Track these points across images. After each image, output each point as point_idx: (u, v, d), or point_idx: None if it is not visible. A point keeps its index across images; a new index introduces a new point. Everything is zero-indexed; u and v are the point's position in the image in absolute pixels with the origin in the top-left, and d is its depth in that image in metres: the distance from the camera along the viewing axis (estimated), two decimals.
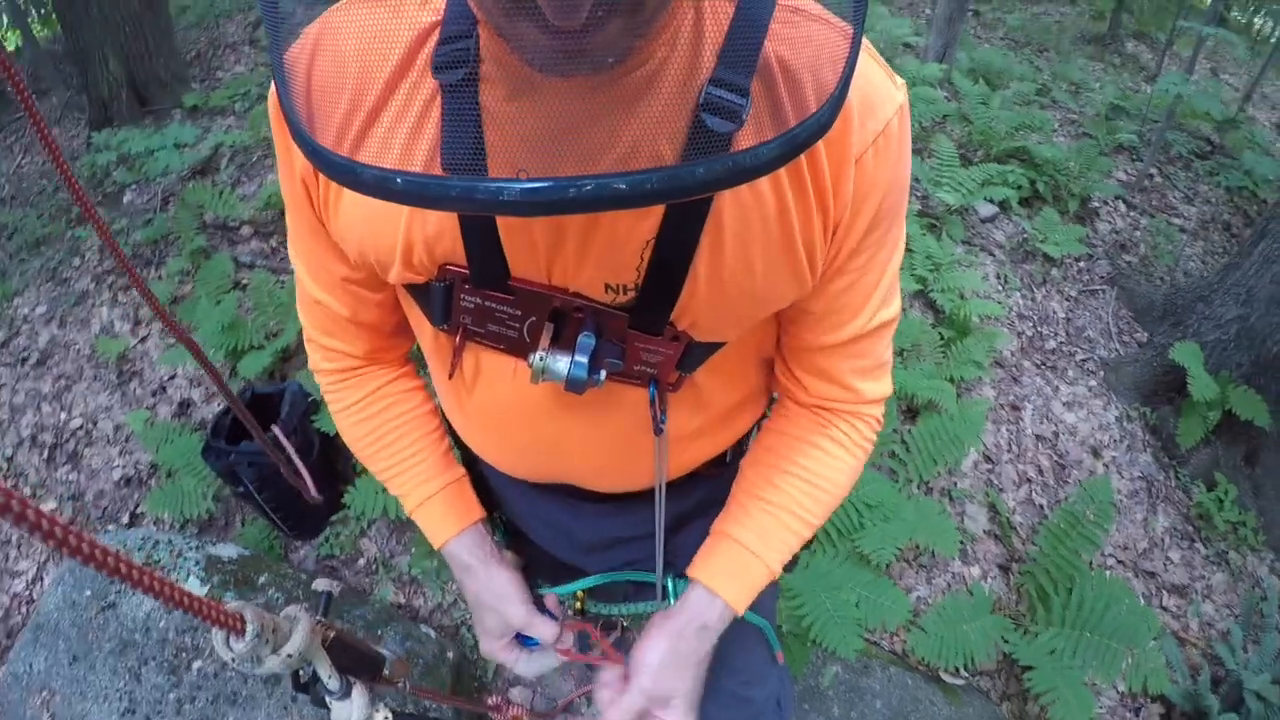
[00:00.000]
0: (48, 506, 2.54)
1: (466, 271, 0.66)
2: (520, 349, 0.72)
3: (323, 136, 0.51)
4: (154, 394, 2.71)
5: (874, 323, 0.74)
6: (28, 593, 2.35)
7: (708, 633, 0.82)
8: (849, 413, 0.82)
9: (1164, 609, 2.42)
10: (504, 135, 0.55)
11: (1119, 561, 2.50)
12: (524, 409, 0.78)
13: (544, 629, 0.89)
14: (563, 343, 0.68)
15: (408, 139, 0.58)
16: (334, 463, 2.45)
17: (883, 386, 0.82)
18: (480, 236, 0.63)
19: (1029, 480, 2.72)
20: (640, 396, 0.76)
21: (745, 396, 0.88)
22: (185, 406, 2.64)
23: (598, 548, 1.03)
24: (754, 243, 0.62)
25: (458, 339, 0.74)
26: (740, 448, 0.97)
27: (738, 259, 0.63)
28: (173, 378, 2.73)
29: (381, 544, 2.39)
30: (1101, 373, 3.04)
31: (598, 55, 0.47)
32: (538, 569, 1.14)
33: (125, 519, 2.39)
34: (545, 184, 0.40)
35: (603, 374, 0.69)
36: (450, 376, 0.79)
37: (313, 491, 2.01)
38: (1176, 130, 4.28)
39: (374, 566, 2.34)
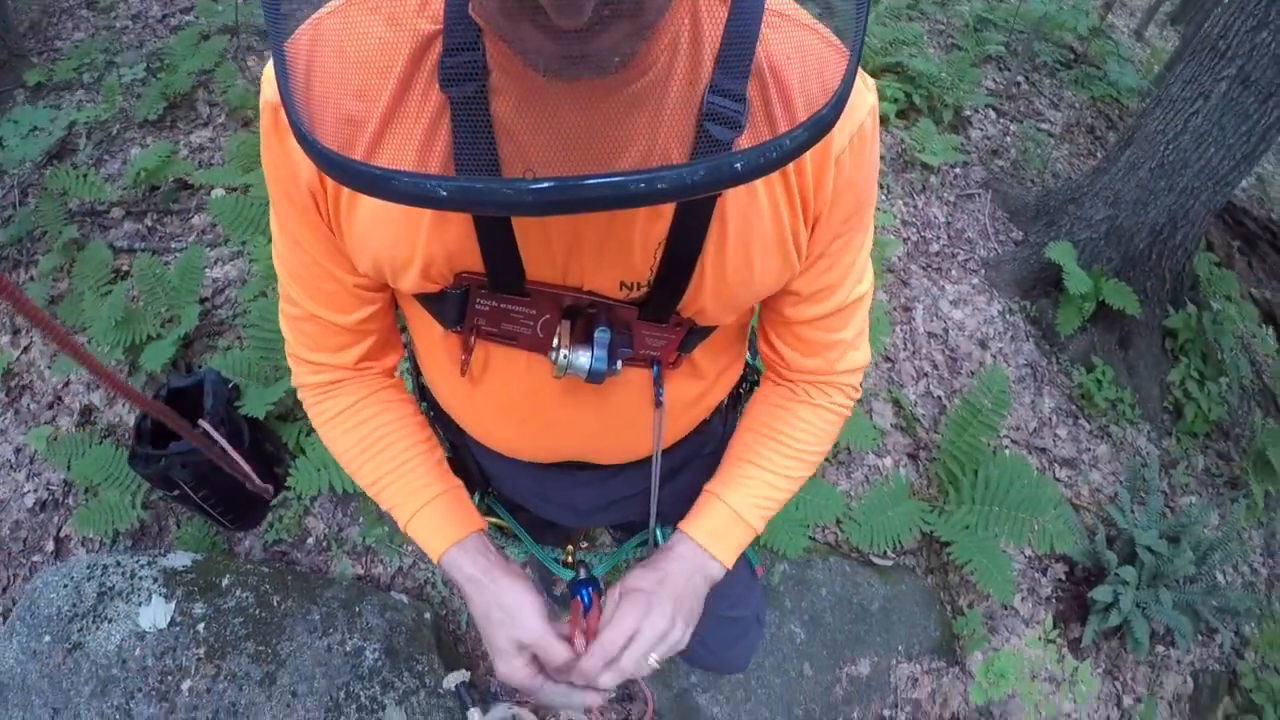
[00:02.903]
0: None
1: (483, 277, 0.68)
2: (534, 345, 0.75)
3: (331, 145, 0.50)
4: (50, 407, 2.48)
5: (852, 296, 0.81)
6: None
7: (695, 579, 0.86)
8: (828, 382, 0.89)
9: (1058, 480, 2.76)
10: (517, 144, 0.57)
11: (1014, 441, 2.81)
12: (534, 398, 0.82)
13: (556, 650, 0.79)
14: (578, 337, 0.72)
15: (420, 150, 0.59)
16: (264, 446, 2.36)
17: (861, 355, 0.88)
18: (498, 243, 0.65)
19: (926, 375, 2.97)
20: (642, 375, 0.81)
21: (730, 360, 0.96)
22: (88, 414, 2.44)
23: (596, 511, 1.08)
24: (752, 238, 0.68)
25: (471, 339, 0.76)
26: (720, 408, 1.04)
27: (739, 254, 0.68)
28: (67, 385, 2.50)
29: (328, 520, 2.35)
30: (983, 271, 3.31)
31: (601, 57, 0.48)
32: (534, 534, 1.20)
33: (50, 546, 2.23)
34: (568, 183, 0.42)
35: (619, 364, 0.74)
36: (463, 374, 0.81)
37: (256, 481, 1.97)
38: (1042, 41, 4.55)
39: (325, 544, 2.31)
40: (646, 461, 0.92)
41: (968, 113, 4.04)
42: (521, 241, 0.66)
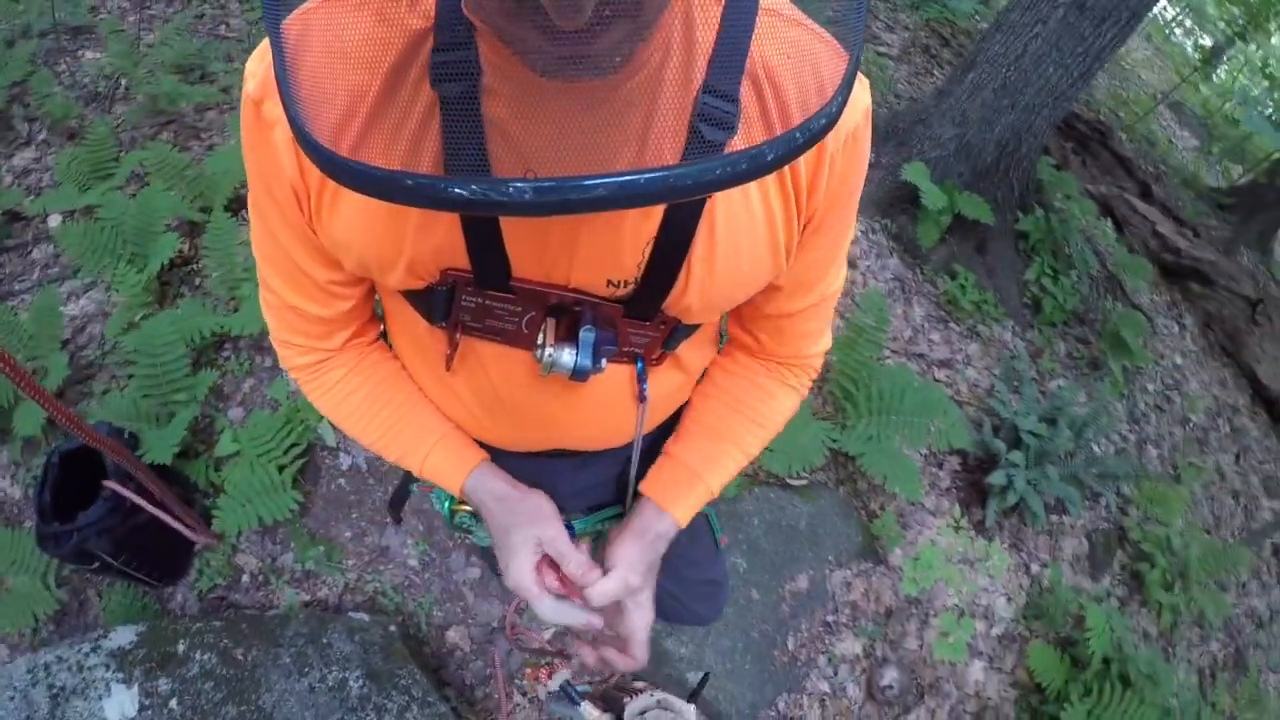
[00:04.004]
0: None
1: (469, 274, 0.69)
2: (518, 340, 0.76)
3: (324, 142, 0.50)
4: None
5: (830, 289, 0.84)
6: None
7: (661, 540, 0.93)
8: (798, 365, 0.94)
9: (939, 381, 3.04)
10: (510, 143, 0.57)
11: (893, 351, 3.05)
12: (519, 393, 0.83)
13: (575, 558, 0.86)
14: (563, 334, 0.73)
15: (409, 149, 0.59)
16: (172, 489, 2.24)
17: (826, 340, 0.93)
18: (484, 241, 0.66)
19: None
20: (625, 371, 0.83)
21: (707, 355, 0.99)
22: None
23: (575, 494, 1.11)
24: (741, 238, 0.69)
25: (456, 334, 0.77)
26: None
27: (727, 254, 0.69)
28: None
29: (259, 553, 2.28)
30: None
31: (601, 58, 0.48)
32: None
33: None
34: (560, 184, 0.42)
35: (604, 362, 0.74)
36: (448, 369, 0.82)
37: (197, 531, 1.88)
38: None
39: (262, 578, 2.25)
40: (625, 447, 0.96)
41: None
42: (508, 239, 0.66)
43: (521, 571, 0.86)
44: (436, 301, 0.73)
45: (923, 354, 3.11)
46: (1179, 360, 4.05)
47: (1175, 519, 3.16)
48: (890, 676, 2.36)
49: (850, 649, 2.40)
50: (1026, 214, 3.58)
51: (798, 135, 0.47)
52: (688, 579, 1.33)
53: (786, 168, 0.66)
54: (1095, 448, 3.17)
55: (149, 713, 1.56)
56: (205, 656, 1.69)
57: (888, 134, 3.58)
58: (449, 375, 0.85)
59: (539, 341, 0.73)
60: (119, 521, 1.88)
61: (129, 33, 3.32)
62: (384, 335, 0.96)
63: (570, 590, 0.88)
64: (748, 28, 0.55)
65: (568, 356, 0.72)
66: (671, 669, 2.15)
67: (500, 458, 0.97)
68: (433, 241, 0.66)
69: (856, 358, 2.69)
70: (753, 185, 0.66)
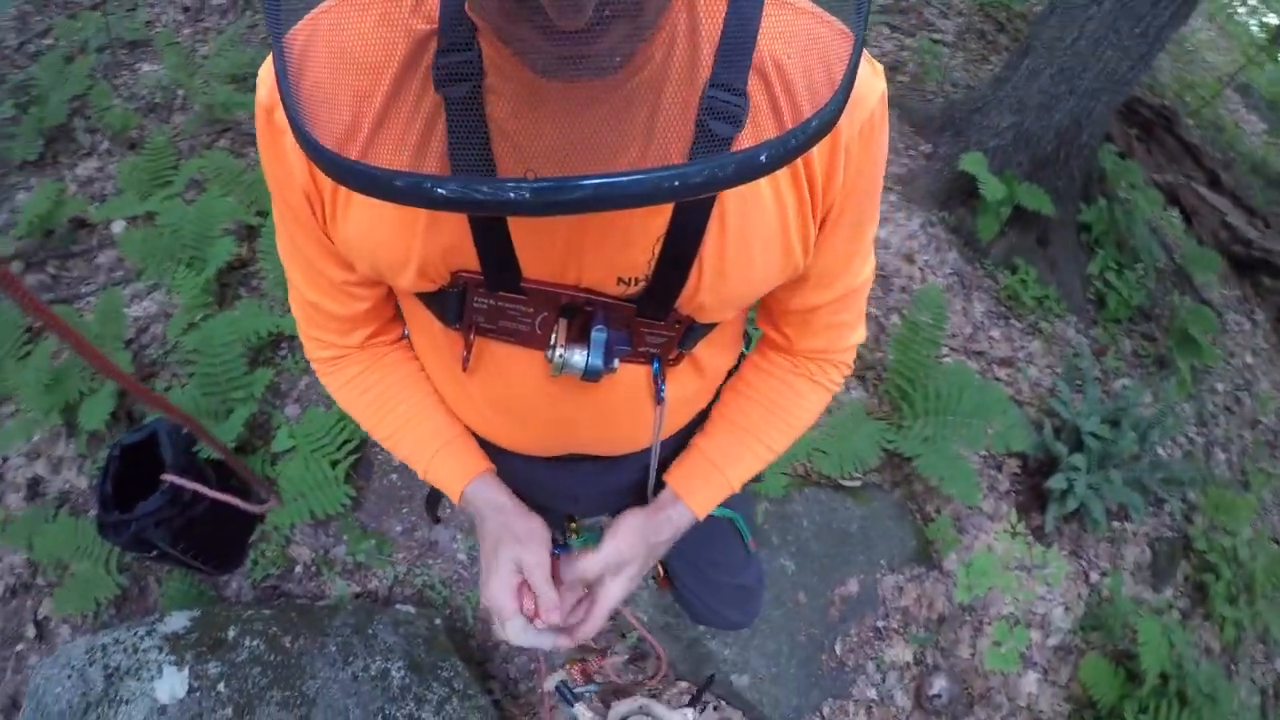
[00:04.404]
0: None
1: (479, 276, 0.69)
2: (532, 341, 0.76)
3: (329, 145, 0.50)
4: None
5: (857, 281, 0.82)
6: None
7: (669, 524, 0.93)
8: (827, 360, 0.91)
9: (999, 380, 2.93)
10: (513, 144, 0.57)
11: (952, 349, 2.96)
12: (534, 394, 0.83)
13: (547, 595, 0.86)
14: (575, 335, 0.73)
15: (415, 150, 0.59)
16: (230, 482, 2.31)
17: (858, 335, 0.91)
18: (494, 243, 0.66)
19: None
20: (642, 372, 0.82)
21: (732, 354, 0.98)
22: (36, 485, 2.31)
23: (597, 500, 1.12)
24: (753, 234, 0.67)
25: (470, 335, 0.77)
26: (718, 394, 1.07)
27: (739, 249, 0.68)
28: (5, 461, 2.35)
29: (312, 544, 2.34)
30: (899, 188, 3.41)
31: (602, 58, 0.48)
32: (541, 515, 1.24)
33: (30, 631, 2.13)
34: (563, 183, 0.42)
35: (616, 362, 0.74)
36: (464, 370, 0.82)
37: (251, 505, 1.93)
38: None
39: (315, 569, 2.30)
40: (646, 451, 0.95)
41: None
42: (517, 240, 0.66)
43: (499, 589, 0.88)
44: (449, 303, 0.73)
45: (983, 352, 3.01)
46: (1250, 359, 3.83)
47: (1243, 528, 2.98)
48: (939, 685, 2.27)
49: (900, 656, 2.32)
50: (1089, 204, 3.43)
51: (791, 139, 0.46)
52: (714, 581, 1.32)
53: (800, 162, 0.65)
54: (1161, 451, 3.02)
55: (197, 694, 1.60)
56: (254, 643, 1.73)
57: (944, 124, 3.48)
58: (465, 377, 0.85)
59: (551, 342, 0.73)
60: (177, 512, 1.94)
61: (184, 45, 3.45)
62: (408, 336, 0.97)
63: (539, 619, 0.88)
64: (754, 20, 0.54)
65: (579, 357, 0.72)
66: (715, 669, 2.12)
67: (520, 463, 0.97)
68: (441, 243, 0.66)
69: (913, 356, 2.61)
70: (764, 182, 0.65)
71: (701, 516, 0.94)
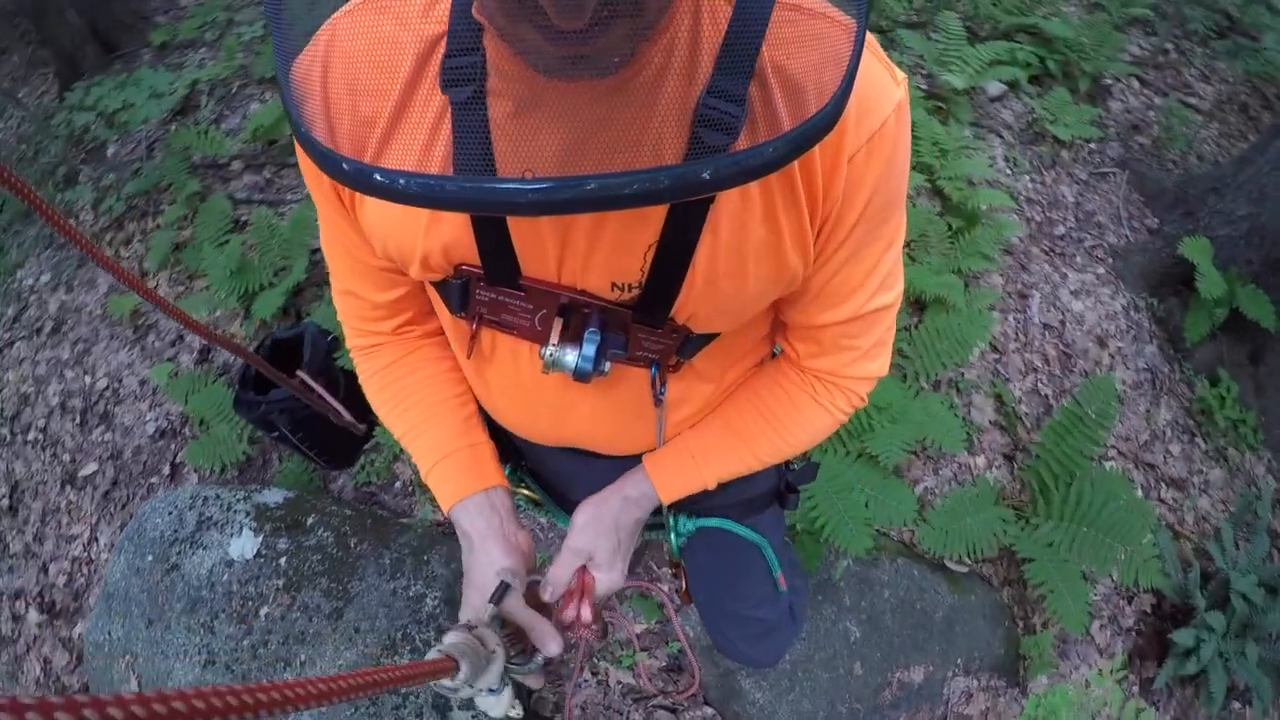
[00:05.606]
0: (88, 469, 2.64)
1: (481, 271, 0.71)
2: (533, 335, 0.78)
3: (341, 146, 0.53)
4: (172, 344, 2.75)
5: (869, 307, 0.77)
6: (85, 554, 2.50)
7: (629, 504, 0.91)
8: (834, 383, 0.87)
9: (1161, 501, 2.53)
10: (512, 145, 0.57)
11: (1120, 453, 2.59)
12: (536, 385, 0.84)
13: (536, 629, 0.81)
14: (571, 335, 0.74)
15: (422, 152, 0.61)
16: (360, 395, 2.53)
17: (876, 366, 0.86)
18: (493, 240, 0.67)
19: (1035, 369, 2.76)
20: (643, 374, 0.82)
21: (741, 371, 0.94)
22: (206, 353, 2.69)
23: None
24: (747, 245, 0.66)
25: (474, 325, 0.79)
26: None
27: (732, 260, 0.67)
28: None
29: (415, 467, 2.50)
30: (1110, 260, 3.02)
31: (602, 58, 0.48)
32: (565, 507, 1.24)
33: (166, 470, 2.50)
34: (555, 184, 0.43)
35: (608, 365, 0.75)
36: (469, 356, 0.85)
37: (346, 415, 2.11)
38: (1194, 4, 4.00)
39: (410, 489, 2.46)
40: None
41: (1107, 82, 3.63)
42: (516, 239, 0.67)
43: (476, 609, 0.85)
44: (453, 293, 0.75)
45: (1154, 464, 2.60)
46: None
47: None
48: None
49: None
50: None
51: (785, 145, 0.46)
52: (728, 609, 1.29)
53: (799, 170, 0.63)
54: None
55: (261, 560, 1.79)
56: (325, 534, 1.90)
57: (1176, 199, 3.03)
58: (476, 362, 0.87)
59: (548, 339, 0.74)
60: (301, 406, 2.15)
61: None
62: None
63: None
64: (759, 26, 0.53)
65: (570, 356, 0.73)
66: (742, 709, 2.02)
67: (542, 452, 1.00)
68: (443, 238, 0.68)
69: (1066, 448, 2.33)
70: (755, 189, 0.64)
71: (666, 502, 0.93)
